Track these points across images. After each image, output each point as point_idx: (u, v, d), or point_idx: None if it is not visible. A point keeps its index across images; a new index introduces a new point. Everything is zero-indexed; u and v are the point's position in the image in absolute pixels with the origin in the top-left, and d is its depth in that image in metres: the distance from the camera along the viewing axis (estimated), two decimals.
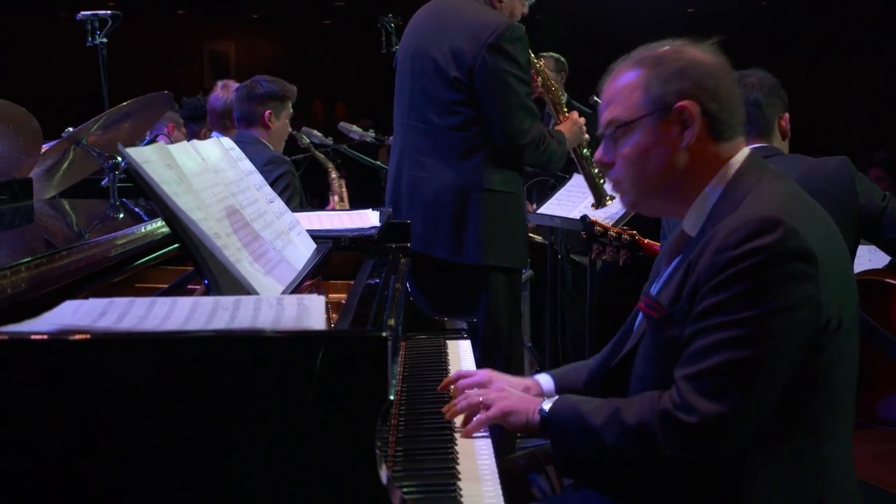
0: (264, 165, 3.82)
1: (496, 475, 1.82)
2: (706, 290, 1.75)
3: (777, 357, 1.72)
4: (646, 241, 3.43)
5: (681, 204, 1.94)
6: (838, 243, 1.87)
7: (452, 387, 2.23)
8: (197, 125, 5.16)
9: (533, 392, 2.22)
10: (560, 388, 2.24)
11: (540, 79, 3.72)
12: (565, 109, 3.80)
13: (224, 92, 4.64)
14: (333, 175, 5.04)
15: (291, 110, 4.45)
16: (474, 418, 2.02)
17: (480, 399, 2.04)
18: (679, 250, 1.95)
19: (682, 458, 1.75)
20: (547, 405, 1.97)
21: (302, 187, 4.40)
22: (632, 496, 1.92)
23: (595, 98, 4.22)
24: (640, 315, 2.03)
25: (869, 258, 3.21)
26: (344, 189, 5.08)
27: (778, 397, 1.75)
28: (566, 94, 5.92)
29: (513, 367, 3.55)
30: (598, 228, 3.46)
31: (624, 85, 1.93)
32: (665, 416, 1.76)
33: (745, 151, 1.93)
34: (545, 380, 2.27)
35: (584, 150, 3.78)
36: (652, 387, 1.88)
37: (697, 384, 1.73)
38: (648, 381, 1.92)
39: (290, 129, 4.52)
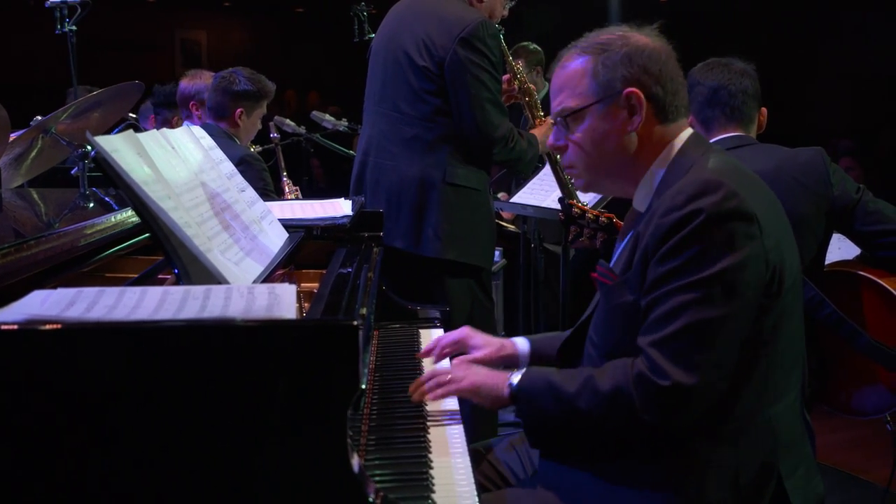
0: (237, 165, 3.78)
1: (468, 462, 1.83)
2: (658, 257, 1.81)
3: (735, 313, 1.78)
4: (622, 224, 3.44)
5: (630, 183, 2.02)
6: (778, 212, 1.95)
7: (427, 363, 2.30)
8: (169, 112, 5.12)
9: (508, 350, 2.28)
10: (535, 352, 2.29)
11: (517, 82, 3.72)
12: (541, 113, 3.80)
13: (190, 80, 4.61)
14: (286, 179, 5.06)
15: (265, 109, 4.42)
16: (444, 387, 2.05)
17: (449, 377, 2.06)
18: (630, 227, 2.03)
19: (658, 422, 1.80)
20: (516, 378, 2.00)
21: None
22: (590, 462, 1.96)
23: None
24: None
25: (839, 246, 3.23)
26: (299, 193, 5.08)
27: (737, 353, 1.81)
28: (547, 85, 5.91)
29: None
30: (576, 210, 3.46)
31: (572, 72, 1.99)
32: (641, 381, 1.80)
33: (688, 131, 2.01)
34: (521, 342, 2.31)
35: (559, 155, 3.77)
36: (604, 352, 1.97)
37: (665, 349, 1.78)
38: (601, 346, 2.00)
39: (259, 126, 4.48)
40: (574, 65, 2.00)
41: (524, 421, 2.00)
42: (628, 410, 1.81)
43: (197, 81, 4.58)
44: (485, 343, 2.29)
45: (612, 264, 2.03)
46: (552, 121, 2.05)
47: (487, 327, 3.64)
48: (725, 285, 1.76)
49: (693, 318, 1.77)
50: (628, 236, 1.99)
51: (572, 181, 3.75)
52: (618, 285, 1.93)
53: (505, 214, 5.29)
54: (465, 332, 2.33)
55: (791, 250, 1.94)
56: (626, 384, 1.82)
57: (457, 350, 2.32)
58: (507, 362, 2.25)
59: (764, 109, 3.09)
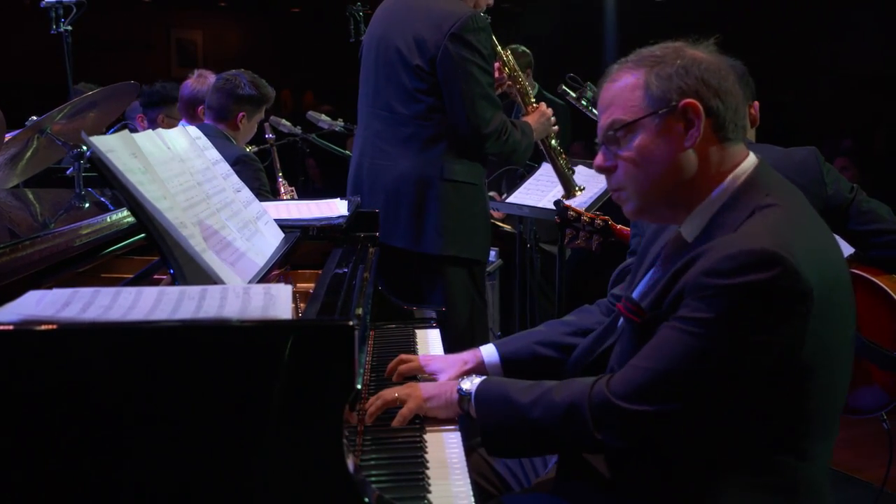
0: (233, 165, 3.78)
1: (465, 463, 1.83)
2: (692, 297, 1.71)
3: (728, 381, 1.70)
4: (618, 226, 3.45)
5: (686, 210, 1.86)
6: (839, 268, 1.81)
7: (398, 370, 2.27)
8: (154, 112, 5.08)
9: (471, 365, 2.25)
10: (504, 357, 2.26)
11: (506, 70, 3.72)
12: (533, 100, 3.80)
13: (198, 82, 4.58)
14: (282, 179, 5.06)
15: (264, 114, 4.43)
16: (398, 413, 1.99)
17: (396, 395, 2.02)
18: (671, 258, 1.88)
19: (608, 442, 1.78)
20: (466, 384, 1.97)
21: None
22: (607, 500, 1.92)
23: (563, 87, 4.22)
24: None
25: None
26: (294, 193, 5.08)
27: (722, 411, 1.73)
28: (537, 86, 5.92)
29: None
30: (571, 213, 3.47)
31: (623, 86, 1.85)
32: (600, 400, 1.77)
33: (752, 160, 1.87)
34: (489, 351, 2.28)
35: (553, 141, 3.78)
36: None
37: (643, 377, 1.73)
38: None
39: (255, 130, 4.49)
40: (625, 79, 1.85)
41: (480, 428, 1.94)
42: (580, 427, 1.78)
43: (204, 85, 4.54)
44: (445, 366, 2.25)
45: (639, 292, 1.94)
46: (599, 140, 1.89)
47: (481, 326, 3.65)
48: (735, 355, 1.67)
49: (684, 365, 1.70)
50: (666, 269, 1.85)
51: (579, 183, 3.76)
52: (647, 323, 1.83)
53: (496, 214, 5.29)
54: (421, 360, 2.29)
55: (846, 313, 1.81)
56: (582, 401, 1.78)
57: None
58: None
59: (756, 103, 3.08)
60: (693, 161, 1.82)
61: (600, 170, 1.91)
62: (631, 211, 1.91)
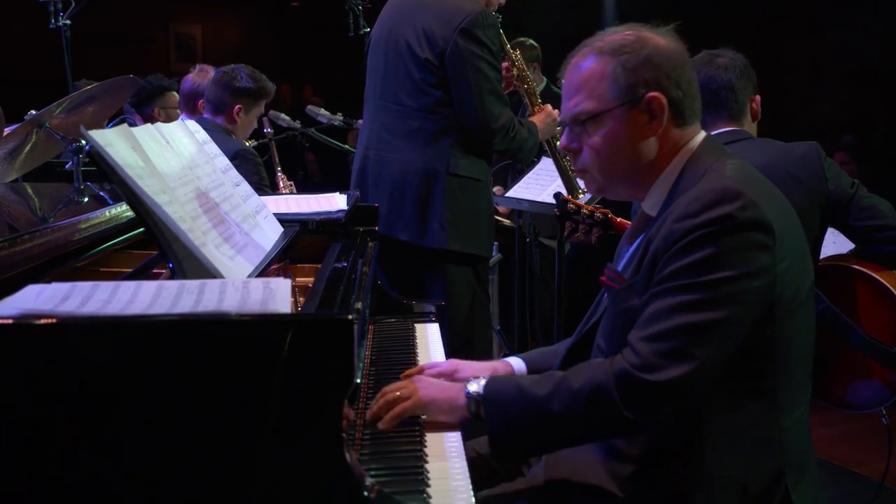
0: (232, 159, 3.76)
1: (463, 457, 1.83)
2: (667, 257, 1.79)
3: (733, 321, 1.76)
4: (618, 219, 3.45)
5: (643, 188, 1.98)
6: (793, 220, 1.92)
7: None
8: (148, 107, 5.03)
9: (501, 372, 2.23)
10: (531, 371, 2.24)
11: (515, 70, 3.73)
12: (539, 101, 3.81)
13: (199, 76, 4.57)
14: (280, 174, 5.06)
15: (263, 109, 4.41)
16: (392, 411, 1.95)
17: (398, 394, 1.98)
18: (640, 230, 2.00)
19: (640, 418, 1.77)
20: (473, 387, 1.94)
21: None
22: (596, 471, 1.94)
23: (561, 82, 4.22)
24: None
25: (833, 240, 3.23)
26: (293, 187, 5.08)
27: (728, 361, 1.78)
28: (546, 80, 5.92)
29: (478, 352, 3.55)
30: (571, 206, 3.47)
31: (589, 73, 1.94)
32: (625, 377, 1.77)
33: (701, 135, 1.98)
34: (516, 362, 2.27)
35: (558, 142, 3.79)
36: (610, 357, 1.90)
37: (658, 345, 1.75)
38: (608, 351, 1.95)
39: (255, 125, 4.48)
40: (590, 66, 1.94)
41: (490, 430, 1.91)
42: (608, 408, 1.77)
43: (204, 79, 4.52)
44: (477, 372, 2.20)
45: (620, 267, 2.00)
46: (564, 121, 2.00)
47: (484, 321, 3.66)
48: (729, 291, 1.74)
49: (691, 318, 1.74)
50: (638, 240, 1.97)
51: (581, 185, 3.77)
52: (625, 289, 1.90)
53: (500, 209, 5.29)
54: (452, 365, 2.24)
55: (804, 261, 1.91)
56: (605, 381, 1.78)
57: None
58: None
59: (757, 97, 3.07)
60: (653, 146, 1.94)
61: (566, 150, 2.02)
62: (594, 189, 2.06)
